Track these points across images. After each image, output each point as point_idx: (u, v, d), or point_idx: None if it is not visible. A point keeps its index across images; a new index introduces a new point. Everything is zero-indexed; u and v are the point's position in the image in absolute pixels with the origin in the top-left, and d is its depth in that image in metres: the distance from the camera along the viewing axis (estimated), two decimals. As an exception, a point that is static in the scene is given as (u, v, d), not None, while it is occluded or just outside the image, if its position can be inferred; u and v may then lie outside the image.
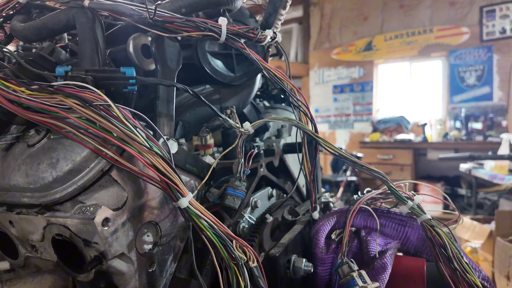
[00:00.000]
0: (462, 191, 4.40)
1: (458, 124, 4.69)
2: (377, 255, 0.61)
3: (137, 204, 0.53)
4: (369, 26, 5.50)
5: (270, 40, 0.68)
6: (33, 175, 0.48)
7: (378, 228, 0.64)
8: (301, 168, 0.81)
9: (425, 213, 0.62)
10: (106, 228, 0.47)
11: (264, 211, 0.81)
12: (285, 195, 0.93)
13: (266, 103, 1.22)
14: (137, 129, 0.50)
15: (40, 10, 0.73)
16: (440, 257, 0.56)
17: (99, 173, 0.49)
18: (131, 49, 0.60)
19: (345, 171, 4.27)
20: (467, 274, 0.53)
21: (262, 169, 0.85)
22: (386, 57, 5.37)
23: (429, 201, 3.88)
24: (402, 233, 0.70)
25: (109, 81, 0.51)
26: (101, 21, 0.57)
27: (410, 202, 0.61)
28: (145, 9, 0.53)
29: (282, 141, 1.01)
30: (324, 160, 5.60)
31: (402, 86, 5.44)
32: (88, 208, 0.47)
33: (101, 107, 0.48)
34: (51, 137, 0.51)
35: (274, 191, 0.89)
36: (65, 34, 0.77)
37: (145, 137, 0.50)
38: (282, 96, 1.24)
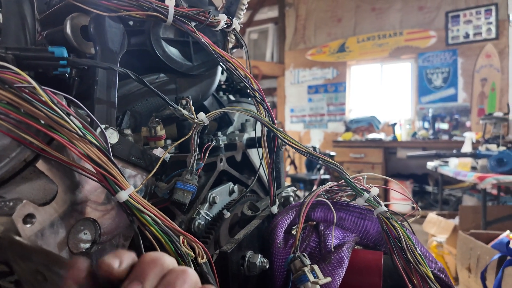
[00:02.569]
0: (430, 188, 4.58)
1: (426, 124, 4.87)
2: (333, 249, 0.59)
3: (70, 199, 0.47)
4: (342, 28, 5.61)
5: (225, 26, 0.64)
6: None
7: (335, 221, 0.62)
8: (261, 162, 0.78)
9: (381, 205, 0.61)
10: (29, 225, 0.42)
11: (223, 207, 0.78)
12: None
13: (232, 97, 1.19)
14: (70, 116, 0.45)
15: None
16: (394, 249, 0.55)
17: (21, 163, 0.43)
18: (68, 30, 0.54)
19: (318, 169, 4.32)
20: (420, 266, 0.52)
21: (222, 164, 0.81)
22: (358, 58, 5.50)
23: (399, 198, 4.00)
24: (361, 227, 0.68)
25: (36, 62, 0.45)
26: (32, -4, 0.51)
27: (366, 194, 0.60)
28: (80, -16, 0.48)
29: (246, 136, 0.98)
30: (300, 160, 5.64)
31: (373, 87, 5.59)
32: (7, 203, 0.42)
33: (25, 89, 0.43)
34: (-33, 123, 0.45)
35: (236, 187, 0.86)
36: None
37: (79, 125, 0.45)
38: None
